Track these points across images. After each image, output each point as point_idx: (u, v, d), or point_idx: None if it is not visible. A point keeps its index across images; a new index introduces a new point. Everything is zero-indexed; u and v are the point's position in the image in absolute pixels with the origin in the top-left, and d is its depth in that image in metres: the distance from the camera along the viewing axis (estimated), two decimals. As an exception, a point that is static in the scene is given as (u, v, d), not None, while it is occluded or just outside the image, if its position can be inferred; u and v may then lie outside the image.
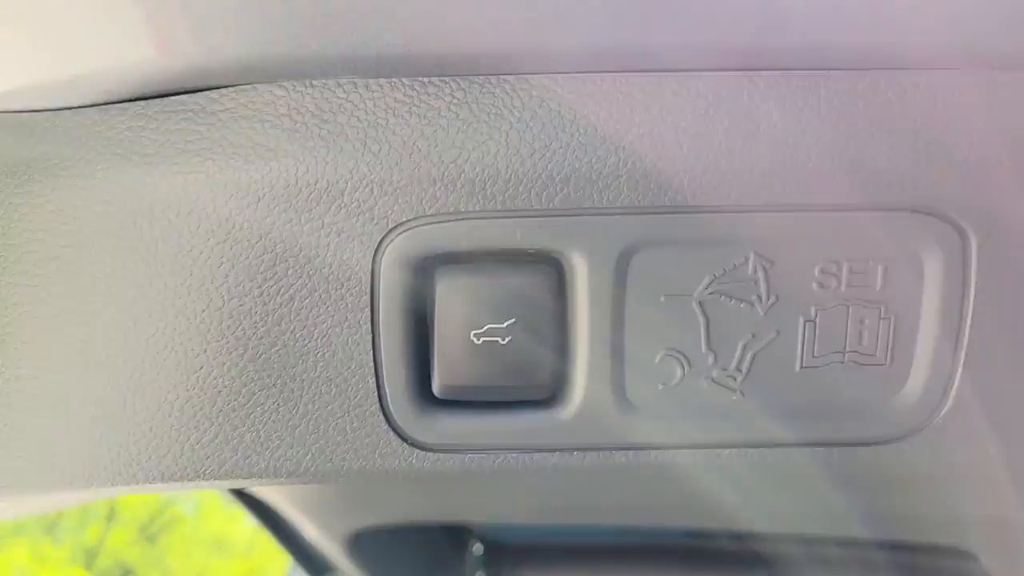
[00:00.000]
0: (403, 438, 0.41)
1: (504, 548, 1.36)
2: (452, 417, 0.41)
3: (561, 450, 0.42)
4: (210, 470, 0.41)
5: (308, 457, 0.41)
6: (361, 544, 1.18)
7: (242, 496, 1.13)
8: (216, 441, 0.41)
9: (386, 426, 0.41)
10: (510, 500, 1.07)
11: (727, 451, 0.42)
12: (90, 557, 4.80)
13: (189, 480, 0.41)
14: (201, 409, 0.40)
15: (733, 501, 0.88)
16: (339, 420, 0.41)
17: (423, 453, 0.42)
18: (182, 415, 0.40)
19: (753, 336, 0.40)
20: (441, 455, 0.42)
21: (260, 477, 0.41)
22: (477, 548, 1.35)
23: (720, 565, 1.24)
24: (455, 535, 1.37)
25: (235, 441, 0.41)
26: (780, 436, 0.41)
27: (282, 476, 0.41)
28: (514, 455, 0.42)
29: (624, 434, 0.41)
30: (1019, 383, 0.40)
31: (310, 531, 1.18)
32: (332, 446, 0.41)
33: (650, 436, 0.41)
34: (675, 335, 0.40)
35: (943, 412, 0.41)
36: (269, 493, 1.09)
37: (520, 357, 0.40)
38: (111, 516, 4.87)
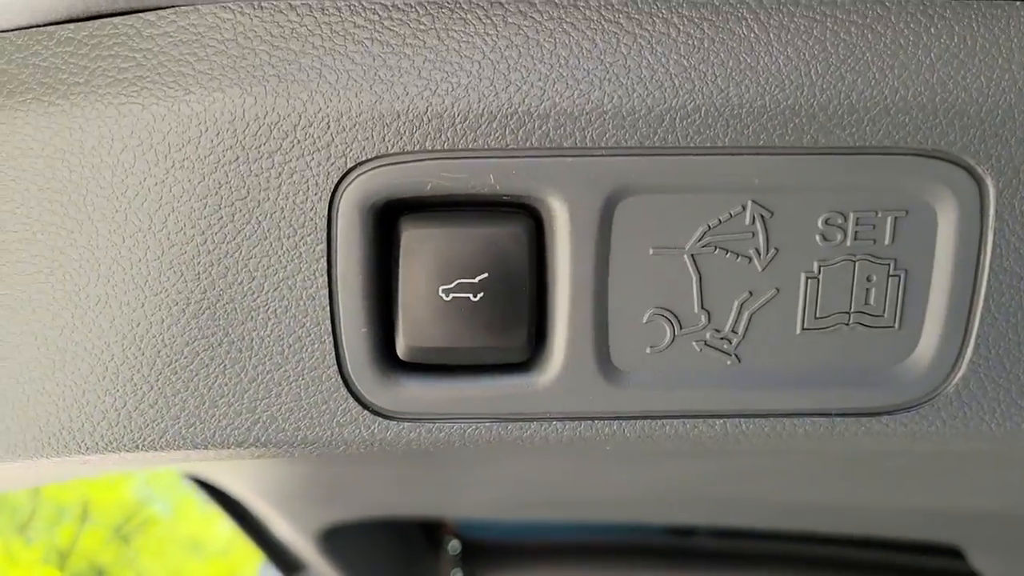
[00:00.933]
0: (363, 405, 0.39)
1: (481, 546, 1.36)
2: (418, 382, 0.39)
3: (539, 420, 0.40)
4: (149, 439, 0.39)
5: (258, 425, 0.39)
6: (333, 541, 1.17)
7: (211, 491, 1.11)
8: (156, 407, 0.38)
9: (345, 392, 0.39)
10: (487, 493, 1.06)
11: (720, 421, 0.40)
12: (63, 558, 4.81)
13: (127, 450, 0.39)
14: (138, 371, 0.38)
15: (718, 489, 0.87)
16: (293, 384, 0.38)
17: (385, 422, 0.39)
18: (117, 378, 0.38)
19: (750, 294, 0.38)
20: (405, 424, 0.39)
21: (205, 448, 0.39)
22: (453, 546, 1.35)
23: (700, 563, 1.24)
24: (431, 533, 1.37)
25: (177, 407, 0.38)
26: (778, 405, 0.40)
27: (229, 446, 0.39)
28: (486, 425, 0.40)
29: (608, 402, 0.39)
30: None
31: (281, 527, 1.17)
32: (285, 413, 0.39)
33: (636, 404, 0.39)
34: (664, 292, 0.38)
35: (956, 379, 0.39)
36: (238, 487, 1.08)
37: (493, 316, 0.37)
38: (85, 516, 4.87)
